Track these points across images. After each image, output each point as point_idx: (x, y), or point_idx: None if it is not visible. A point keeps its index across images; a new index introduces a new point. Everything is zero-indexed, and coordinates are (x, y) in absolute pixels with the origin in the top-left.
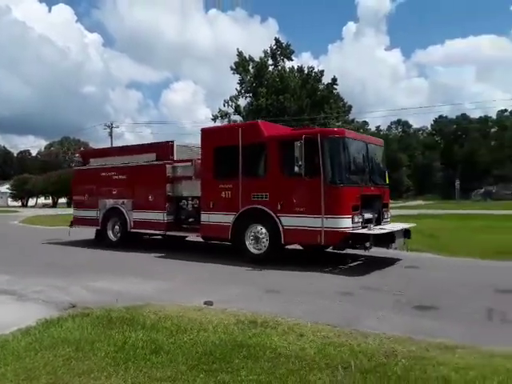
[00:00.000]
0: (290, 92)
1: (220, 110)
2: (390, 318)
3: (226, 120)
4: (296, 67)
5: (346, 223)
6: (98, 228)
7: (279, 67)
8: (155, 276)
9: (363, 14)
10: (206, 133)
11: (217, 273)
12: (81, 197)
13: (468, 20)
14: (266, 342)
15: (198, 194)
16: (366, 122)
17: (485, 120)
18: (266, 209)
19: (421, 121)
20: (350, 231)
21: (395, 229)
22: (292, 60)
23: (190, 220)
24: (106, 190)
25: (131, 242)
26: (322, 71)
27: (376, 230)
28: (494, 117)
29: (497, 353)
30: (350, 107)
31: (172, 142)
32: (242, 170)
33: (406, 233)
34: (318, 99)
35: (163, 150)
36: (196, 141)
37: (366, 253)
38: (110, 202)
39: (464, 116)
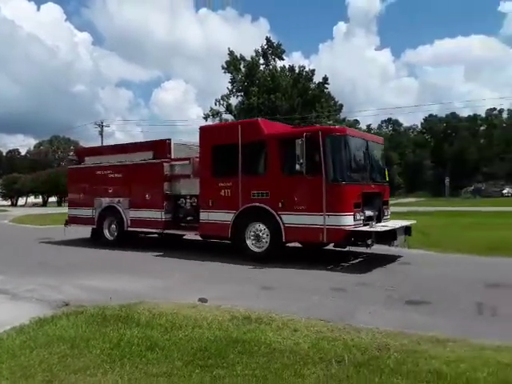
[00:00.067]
0: (281, 91)
1: (211, 108)
2: (382, 313)
3: (218, 119)
4: (287, 66)
5: (348, 221)
6: (94, 227)
7: (270, 66)
8: (150, 274)
9: (354, 14)
10: (204, 131)
11: (214, 271)
12: (76, 195)
13: (457, 20)
14: (260, 337)
15: (197, 192)
16: (356, 121)
17: (474, 118)
18: (267, 207)
19: (411, 119)
20: (352, 229)
21: (397, 226)
22: (283, 59)
23: (189, 218)
24: (102, 189)
25: (128, 240)
26: (313, 70)
27: (378, 227)
28: (483, 115)
29: (487, 346)
30: (341, 106)
31: (169, 140)
32: (242, 168)
33: (407, 230)
34: (309, 98)
35: (160, 148)
36: (188, 139)
37: (368, 250)
38: (105, 201)
39: (453, 115)
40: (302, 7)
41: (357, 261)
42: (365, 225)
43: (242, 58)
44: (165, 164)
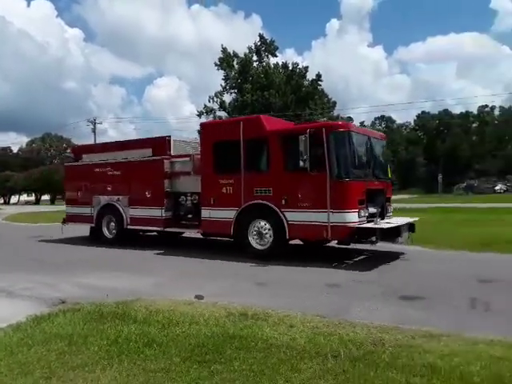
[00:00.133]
0: (274, 88)
1: (205, 105)
2: (378, 308)
3: (211, 116)
4: (280, 63)
5: (352, 218)
6: (93, 225)
7: (264, 63)
8: (147, 272)
9: (346, 11)
10: (205, 127)
11: (211, 268)
12: (74, 193)
13: (449, 17)
14: (257, 333)
15: (197, 189)
16: (350, 118)
17: (466, 115)
18: (270, 204)
19: (404, 116)
20: (356, 226)
21: (401, 223)
22: (276, 56)
23: (189, 216)
24: (100, 187)
25: (127, 239)
26: (307, 67)
27: (382, 224)
28: (475, 112)
29: (480, 340)
30: (335, 103)
31: (169, 136)
32: (244, 165)
33: (411, 226)
34: (302, 95)
35: (160, 145)
36: (186, 136)
37: (373, 247)
38: (104, 199)
39: (446, 112)
40: (295, 4)
41: (360, 258)
42: (369, 222)
43: (235, 55)
44: (165, 161)
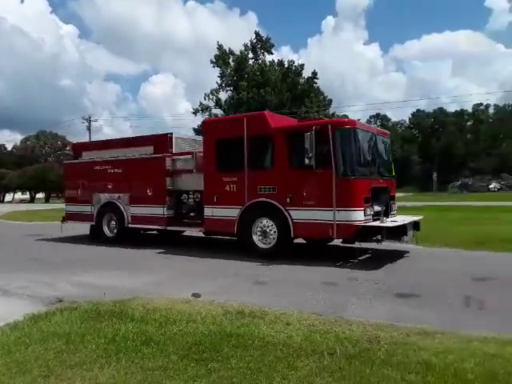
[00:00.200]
0: (270, 86)
1: (201, 103)
2: (374, 305)
3: (207, 114)
4: (276, 61)
5: (358, 216)
6: (93, 224)
7: (259, 61)
8: (146, 270)
9: (342, 8)
10: (208, 124)
11: (209, 266)
12: (73, 191)
13: (444, 15)
14: (254, 331)
15: (200, 187)
16: (345, 116)
17: (461, 114)
18: (274, 202)
19: (399, 114)
20: (362, 224)
21: (407, 221)
22: (272, 54)
23: (192, 214)
24: (101, 185)
25: (128, 237)
26: (302, 65)
27: (388, 222)
28: (470, 110)
29: (474, 337)
30: (330, 101)
31: (171, 134)
32: (248, 163)
33: (415, 225)
34: (298, 93)
35: (161, 142)
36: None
37: (379, 246)
38: (105, 197)
39: (441, 110)
40: (290, 1)
41: (364, 257)
42: (374, 220)
43: (231, 52)
44: (167, 159)
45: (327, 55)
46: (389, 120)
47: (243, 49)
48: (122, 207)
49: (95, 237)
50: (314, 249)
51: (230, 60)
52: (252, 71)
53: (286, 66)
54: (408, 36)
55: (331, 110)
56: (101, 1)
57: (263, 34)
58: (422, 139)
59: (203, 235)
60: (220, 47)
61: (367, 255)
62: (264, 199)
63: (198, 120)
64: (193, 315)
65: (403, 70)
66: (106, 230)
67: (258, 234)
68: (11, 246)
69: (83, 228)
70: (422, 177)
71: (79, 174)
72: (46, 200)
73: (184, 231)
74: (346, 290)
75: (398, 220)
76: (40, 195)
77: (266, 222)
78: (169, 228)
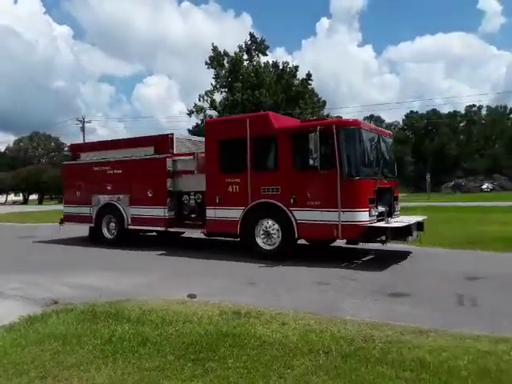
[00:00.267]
0: (265, 87)
1: (195, 104)
2: (367, 305)
3: (202, 115)
4: (271, 62)
5: (363, 217)
6: (92, 225)
7: (254, 62)
8: (144, 272)
9: (336, 10)
10: (210, 125)
11: (211, 268)
12: (71, 193)
13: (438, 17)
14: (250, 330)
15: (201, 188)
16: (340, 117)
17: (454, 115)
18: (278, 203)
19: (393, 116)
20: (367, 225)
21: (411, 222)
22: (267, 55)
23: (193, 216)
24: (100, 186)
25: (127, 239)
26: (297, 67)
27: (394, 223)
28: (463, 112)
29: (467, 335)
30: (325, 102)
31: (171, 134)
32: (251, 164)
33: (419, 225)
34: (293, 94)
35: (162, 143)
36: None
37: (385, 246)
38: (104, 198)
39: (434, 111)
40: (285, 3)
41: (368, 258)
42: (378, 221)
43: (226, 54)
44: (168, 159)
45: (321, 57)
46: (383, 121)
47: (238, 50)
48: (121, 208)
49: (94, 239)
50: (316, 250)
51: (225, 61)
52: (247, 73)
53: (281, 67)
54: (401, 38)
55: (325, 112)
56: (95, 2)
57: (258, 36)
58: (415, 140)
59: (203, 236)
60: (215, 49)
61: (370, 256)
62: (267, 200)
63: (193, 121)
64: (189, 316)
65: (397, 71)
66: (105, 231)
67: (262, 235)
68: (5, 248)
69: (82, 230)
70: (415, 178)
71: (78, 175)
72: (40, 202)
73: (184, 233)
74: (342, 290)
75: (402, 220)
76: (33, 197)
77: (269, 223)
78: (170, 229)
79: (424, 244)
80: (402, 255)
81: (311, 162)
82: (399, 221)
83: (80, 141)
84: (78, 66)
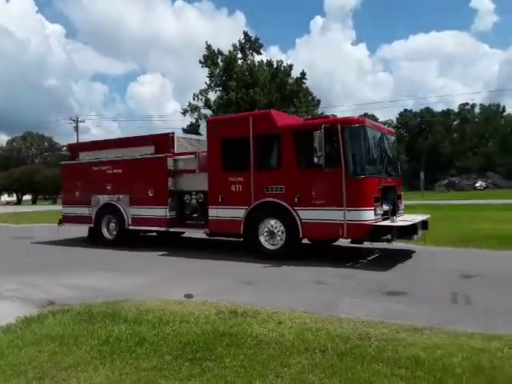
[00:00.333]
0: (259, 86)
1: (190, 103)
2: (365, 304)
3: (196, 114)
4: (265, 61)
5: (369, 215)
6: (91, 226)
7: (248, 61)
8: (142, 272)
9: (330, 8)
10: (212, 124)
11: (210, 268)
12: (70, 193)
13: (431, 15)
14: (246, 330)
15: (203, 188)
16: (334, 116)
17: (447, 113)
18: (282, 202)
19: (387, 114)
20: (373, 224)
21: (417, 220)
22: (261, 54)
23: (195, 215)
24: (100, 186)
25: (128, 239)
26: (291, 65)
27: (399, 221)
28: (456, 110)
29: (461, 333)
30: (319, 101)
31: (172, 133)
32: (254, 162)
33: (424, 224)
34: (287, 93)
35: (163, 142)
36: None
37: (390, 245)
38: (103, 198)
39: (428, 109)
40: (279, 1)
41: (373, 257)
42: (384, 219)
43: (220, 53)
44: (168, 159)
45: (315, 55)
46: (376, 120)
47: (232, 49)
48: (121, 209)
49: (94, 239)
50: (319, 249)
51: (219, 60)
52: (241, 71)
53: (275, 66)
54: (395, 36)
55: (320, 110)
56: (87, 0)
57: (252, 35)
58: (409, 139)
59: (204, 237)
60: (208, 47)
61: (374, 255)
62: (271, 199)
63: (187, 120)
64: (186, 316)
65: (390, 70)
66: (105, 232)
67: (265, 234)
68: (1, 249)
69: (81, 230)
70: (409, 176)
71: (77, 175)
72: (33, 202)
73: (184, 233)
74: (341, 289)
75: (407, 219)
76: (27, 197)
77: (273, 223)
78: (171, 229)
79: (419, 243)
80: (403, 254)
81: (316, 160)
82: (404, 219)
83: (73, 140)
84: (70, 65)
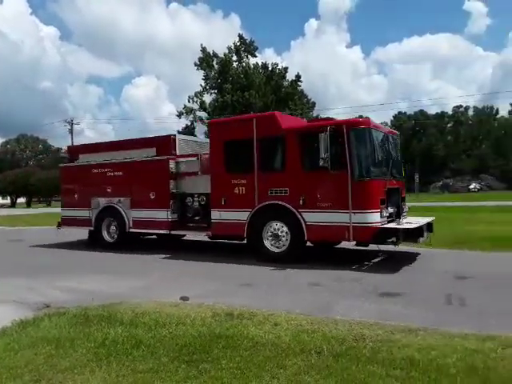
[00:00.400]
0: (254, 88)
1: (185, 106)
2: (361, 305)
3: (192, 116)
4: (260, 64)
5: (375, 218)
6: (91, 229)
7: (243, 63)
8: (140, 275)
9: (324, 11)
10: (215, 125)
11: (210, 270)
12: (70, 195)
13: (425, 18)
14: (243, 332)
15: (205, 190)
16: (329, 118)
17: (441, 116)
18: (287, 204)
19: (381, 117)
20: (379, 226)
21: (423, 223)
22: (256, 56)
23: (197, 218)
24: (100, 188)
25: (128, 242)
26: (286, 68)
27: (405, 224)
28: (450, 112)
29: (456, 334)
30: (314, 104)
31: (174, 135)
32: (258, 165)
33: (429, 226)
34: (282, 96)
35: (164, 144)
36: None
37: (396, 248)
38: (104, 201)
39: (422, 112)
40: (273, 3)
41: (378, 259)
42: (389, 222)
43: (215, 55)
44: (170, 161)
45: (310, 58)
46: None
47: (227, 51)
48: (122, 211)
49: (94, 242)
50: (323, 252)
51: (214, 63)
52: (236, 74)
53: (270, 68)
54: (389, 39)
55: (315, 113)
56: (82, 2)
57: (247, 37)
58: (403, 141)
59: (205, 239)
60: (204, 50)
61: (381, 257)
62: (275, 201)
63: (182, 123)
64: (182, 318)
65: (385, 72)
66: (105, 235)
67: (269, 237)
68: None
69: (81, 233)
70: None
71: (76, 178)
72: (28, 205)
73: (184, 235)
74: (338, 291)
75: (412, 221)
76: (21, 200)
77: (277, 225)
78: (173, 232)
79: (413, 244)
80: (398, 257)
81: (321, 162)
82: (409, 222)
83: (68, 142)
84: (64, 67)
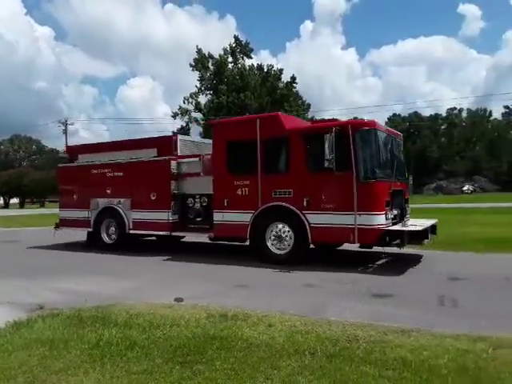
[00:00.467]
0: (250, 90)
1: (180, 107)
2: (355, 306)
3: (187, 117)
4: (255, 65)
5: (380, 220)
6: (90, 230)
7: (239, 65)
8: (134, 276)
9: (319, 13)
10: (218, 126)
11: (209, 272)
12: (68, 196)
13: (419, 21)
14: (237, 333)
15: (207, 191)
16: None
17: (435, 118)
18: (290, 206)
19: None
20: (385, 228)
21: (427, 225)
22: (251, 58)
23: (198, 219)
24: (99, 189)
25: (128, 244)
26: (282, 70)
27: (410, 226)
28: (444, 114)
29: (448, 335)
30: (309, 105)
31: (175, 136)
32: (261, 166)
33: (433, 228)
34: (277, 97)
35: (165, 144)
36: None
37: (401, 250)
38: (103, 202)
39: (416, 114)
40: (269, 5)
41: (383, 261)
42: (393, 224)
43: (211, 56)
44: (172, 161)
45: (306, 59)
46: None
47: (222, 53)
48: (122, 212)
49: (92, 243)
50: (324, 254)
51: (210, 64)
52: (231, 75)
53: (266, 70)
54: (384, 41)
55: (310, 115)
56: (77, 3)
57: (242, 39)
58: None
59: (206, 240)
60: (199, 51)
61: (385, 259)
62: (279, 203)
63: (178, 123)
64: (176, 319)
65: (379, 74)
66: (104, 236)
67: (273, 239)
68: None
69: (79, 234)
70: None
71: (75, 178)
72: (21, 205)
73: (184, 237)
74: (333, 293)
75: (416, 223)
76: (14, 200)
77: (281, 227)
78: (174, 234)
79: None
80: (394, 258)
81: (326, 163)
82: (414, 224)
83: (62, 143)
84: (59, 68)
